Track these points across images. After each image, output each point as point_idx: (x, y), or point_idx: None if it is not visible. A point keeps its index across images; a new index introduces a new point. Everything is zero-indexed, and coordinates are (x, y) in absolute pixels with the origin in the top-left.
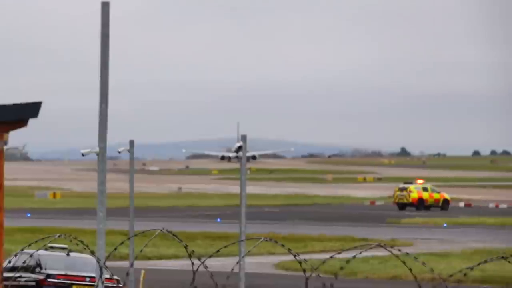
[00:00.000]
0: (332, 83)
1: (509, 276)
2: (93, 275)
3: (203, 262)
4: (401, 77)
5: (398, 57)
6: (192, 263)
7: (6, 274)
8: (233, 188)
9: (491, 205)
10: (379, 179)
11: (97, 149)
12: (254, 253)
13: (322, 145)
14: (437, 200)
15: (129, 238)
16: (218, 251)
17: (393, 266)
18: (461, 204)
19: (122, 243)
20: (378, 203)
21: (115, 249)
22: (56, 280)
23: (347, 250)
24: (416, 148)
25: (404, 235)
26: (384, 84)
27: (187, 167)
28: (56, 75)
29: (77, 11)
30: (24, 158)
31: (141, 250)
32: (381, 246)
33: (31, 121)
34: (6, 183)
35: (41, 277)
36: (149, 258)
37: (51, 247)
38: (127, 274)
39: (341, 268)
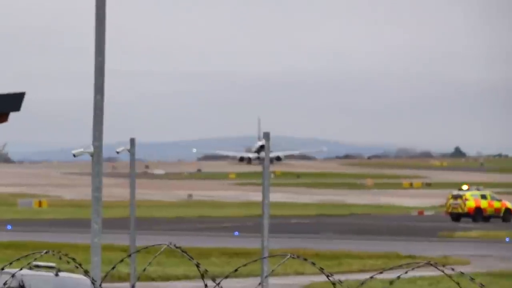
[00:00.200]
0: (370, 73)
1: None
2: None
3: (219, 283)
4: (454, 67)
5: (449, 43)
6: (206, 285)
7: None
8: (254, 195)
9: None
10: (429, 185)
11: (91, 149)
12: (279, 273)
13: (360, 145)
14: (497, 210)
15: (129, 255)
16: (236, 270)
17: None
18: None
19: (121, 260)
20: (427, 213)
21: (113, 268)
22: None
23: (390, 269)
24: (473, 148)
25: (458, 251)
26: (432, 73)
27: (198, 170)
28: (42, 62)
29: None
30: (5, 159)
31: (144, 269)
32: (431, 265)
33: (12, 116)
34: None
35: None
36: (154, 279)
37: (37, 266)
38: None
39: None
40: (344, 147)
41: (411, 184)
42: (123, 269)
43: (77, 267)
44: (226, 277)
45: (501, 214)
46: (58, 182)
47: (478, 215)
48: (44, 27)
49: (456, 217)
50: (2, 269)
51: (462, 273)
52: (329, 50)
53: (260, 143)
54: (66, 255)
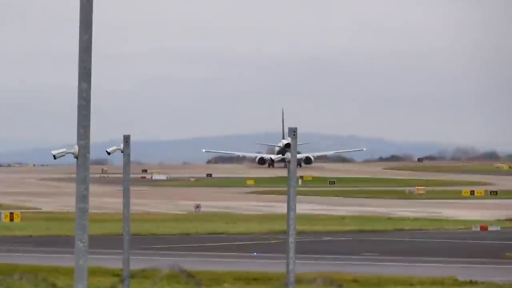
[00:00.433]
0: (424, 55)
1: None
2: None
3: None
4: None
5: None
6: None
7: None
8: (277, 206)
9: None
10: (494, 193)
11: (75, 149)
12: None
13: (409, 143)
14: None
15: (122, 281)
16: None
17: None
18: None
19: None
20: (492, 228)
21: None
22: None
23: None
24: None
25: None
26: (502, 61)
27: (208, 175)
28: (13, 41)
29: None
30: None
31: None
32: None
33: None
34: None
35: None
36: None
37: None
38: None
39: None
40: (389, 146)
41: (472, 193)
42: None
43: None
44: None
45: None
46: (35, 190)
47: None
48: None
49: None
50: None
51: None
52: (373, 29)
53: (284, 141)
54: (45, 280)
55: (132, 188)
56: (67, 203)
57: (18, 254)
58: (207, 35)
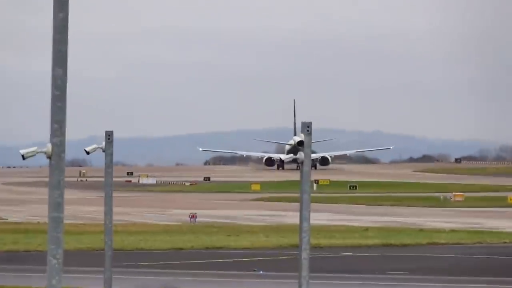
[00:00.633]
0: (448, 37)
1: None
2: None
3: None
4: None
5: None
6: None
7: None
8: (287, 215)
9: None
10: None
11: (48, 148)
12: None
13: (443, 141)
14: None
15: None
16: None
17: None
18: None
19: None
20: None
21: None
22: None
23: None
24: None
25: None
26: None
27: (206, 179)
28: None
29: None
30: None
31: None
32: None
33: None
34: None
35: None
36: None
37: None
38: None
39: None
40: (421, 145)
41: None
42: None
43: None
44: None
45: None
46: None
47: None
48: None
49: None
50: None
51: None
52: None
53: (296, 138)
54: None
55: (115, 194)
56: (37, 212)
57: None
58: (203, 13)
